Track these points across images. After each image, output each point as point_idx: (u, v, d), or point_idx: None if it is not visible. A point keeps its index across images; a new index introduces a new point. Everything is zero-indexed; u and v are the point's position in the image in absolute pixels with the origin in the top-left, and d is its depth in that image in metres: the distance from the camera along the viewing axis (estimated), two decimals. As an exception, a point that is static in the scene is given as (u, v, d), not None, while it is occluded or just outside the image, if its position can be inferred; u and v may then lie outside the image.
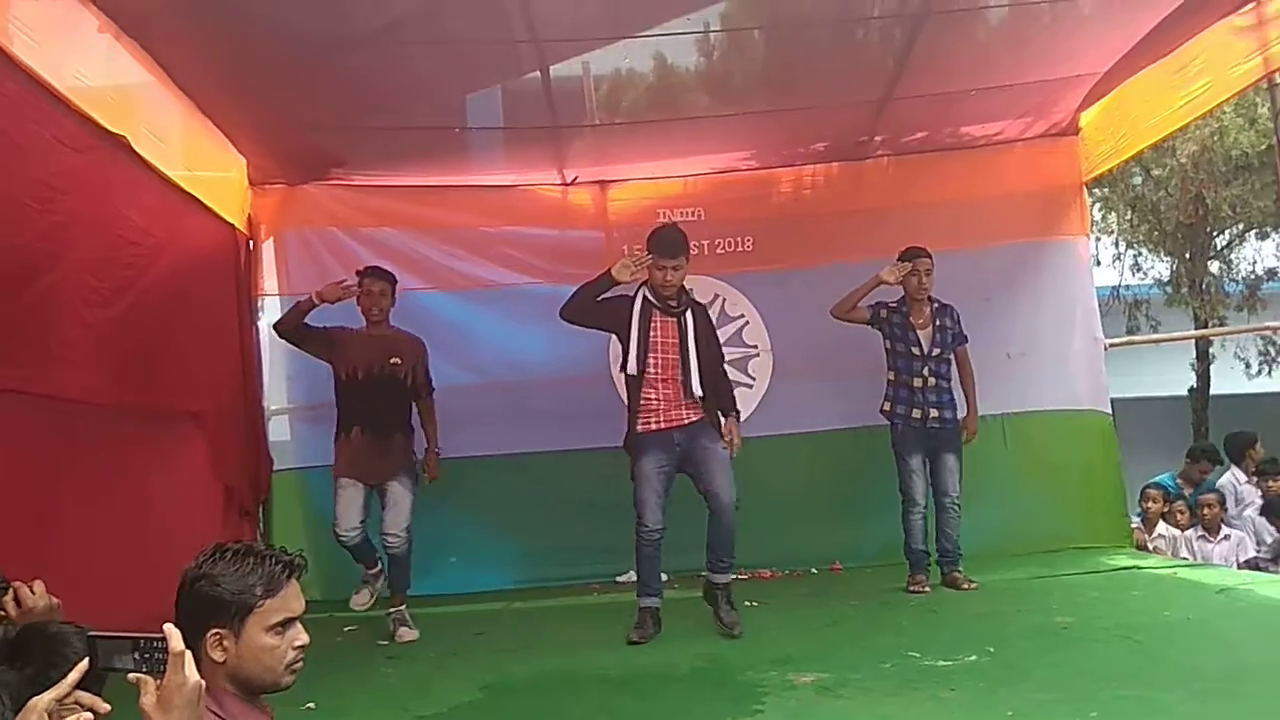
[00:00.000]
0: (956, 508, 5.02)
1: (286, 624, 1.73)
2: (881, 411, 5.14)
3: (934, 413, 5.02)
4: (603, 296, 4.27)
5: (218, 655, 1.69)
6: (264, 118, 5.15)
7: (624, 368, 4.25)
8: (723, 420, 4.29)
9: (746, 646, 3.94)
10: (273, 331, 5.89)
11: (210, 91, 4.76)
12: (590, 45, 4.96)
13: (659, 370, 4.19)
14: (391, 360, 4.65)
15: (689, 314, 4.25)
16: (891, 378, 5.12)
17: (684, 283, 4.31)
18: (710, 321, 4.50)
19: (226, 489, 5.17)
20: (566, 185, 6.31)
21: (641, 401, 4.21)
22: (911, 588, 4.93)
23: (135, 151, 4.09)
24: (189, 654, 1.48)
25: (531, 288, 6.17)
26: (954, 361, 5.17)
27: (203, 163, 5.05)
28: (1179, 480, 6.87)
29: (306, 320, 4.65)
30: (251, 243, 5.83)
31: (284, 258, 6.01)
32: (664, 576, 5.60)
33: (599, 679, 3.56)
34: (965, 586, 4.90)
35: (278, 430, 5.91)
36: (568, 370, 5.94)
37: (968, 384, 5.22)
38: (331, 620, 4.67)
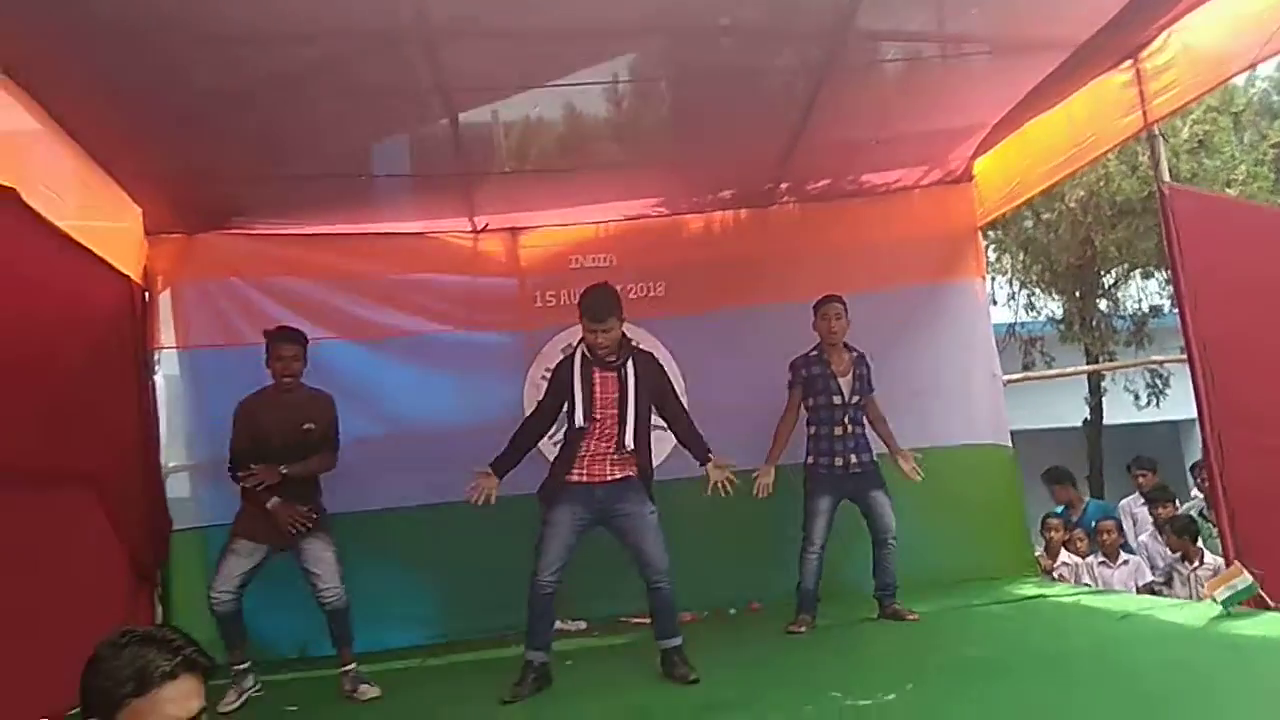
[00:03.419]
0: (895, 543, 5.13)
1: None
2: (805, 465, 5.21)
3: (854, 458, 5.13)
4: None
5: None
6: (160, 166, 4.99)
7: (570, 422, 4.22)
8: (709, 469, 4.30)
9: (670, 694, 3.90)
10: (169, 384, 5.73)
11: (103, 140, 4.59)
12: (498, 95, 4.97)
13: (599, 425, 4.19)
14: (305, 427, 4.51)
15: (629, 365, 4.23)
16: (812, 431, 5.21)
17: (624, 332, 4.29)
18: (658, 368, 4.44)
19: (130, 553, 4.92)
20: (477, 232, 6.28)
21: (575, 452, 4.19)
22: (792, 628, 4.98)
23: (25, 204, 3.92)
24: None
25: (443, 335, 6.13)
26: (863, 409, 5.29)
27: (96, 213, 4.84)
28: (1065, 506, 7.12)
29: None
30: (147, 294, 5.63)
31: (182, 309, 5.80)
32: (583, 624, 5.64)
33: (521, 736, 3.49)
34: (909, 618, 5.00)
35: (176, 488, 5.66)
36: (481, 418, 5.85)
37: (884, 430, 5.35)
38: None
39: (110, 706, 1.60)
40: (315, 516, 4.50)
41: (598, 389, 4.20)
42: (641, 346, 4.52)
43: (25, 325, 3.92)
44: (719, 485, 4.31)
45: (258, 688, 4.42)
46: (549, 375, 4.53)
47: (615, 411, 4.19)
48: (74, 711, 1.56)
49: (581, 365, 4.23)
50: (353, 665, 4.45)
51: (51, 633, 3.36)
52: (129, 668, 1.61)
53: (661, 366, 4.51)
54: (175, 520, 5.52)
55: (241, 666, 4.40)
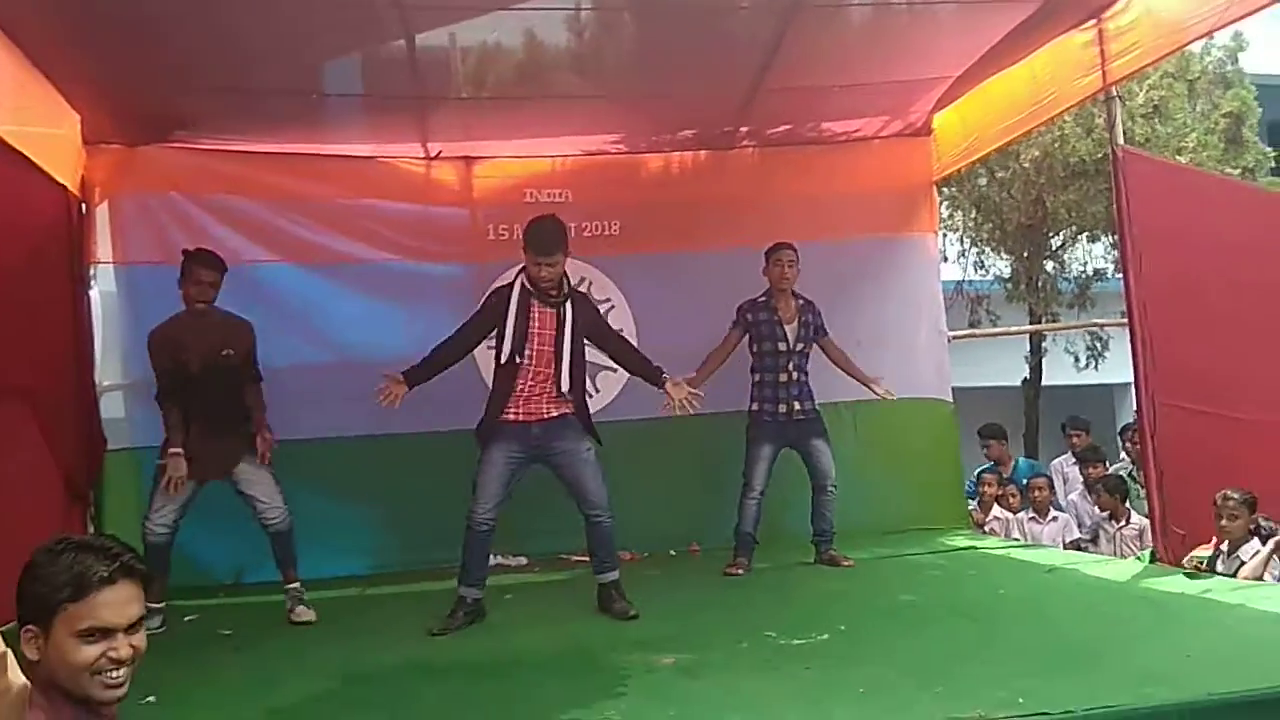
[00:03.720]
0: (834, 490, 5.20)
1: (101, 633, 1.59)
2: (749, 412, 5.24)
3: (797, 405, 5.16)
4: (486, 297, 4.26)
5: (31, 654, 1.58)
6: (101, 72, 4.78)
7: (498, 357, 4.15)
8: (668, 389, 4.30)
9: (608, 629, 3.94)
10: (105, 300, 5.56)
11: (41, 41, 4.37)
12: (458, 15, 4.82)
13: (534, 360, 4.11)
14: (224, 352, 4.40)
15: (568, 305, 4.16)
16: (757, 379, 5.22)
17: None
18: (593, 307, 4.42)
19: (64, 471, 4.81)
20: (430, 159, 6.13)
21: (510, 389, 4.12)
22: (729, 569, 5.05)
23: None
24: (10, 655, 1.37)
25: (392, 264, 6.02)
26: (824, 352, 5.34)
27: (30, 117, 4.60)
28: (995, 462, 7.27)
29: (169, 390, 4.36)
30: (84, 206, 5.42)
31: (120, 223, 5.60)
32: (524, 559, 5.66)
33: (459, 665, 3.50)
34: (844, 564, 5.11)
35: (111, 407, 5.51)
36: (427, 350, 5.78)
37: (850, 366, 5.42)
38: (170, 609, 4.39)
39: (47, 612, 1.58)
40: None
41: (535, 324, 4.11)
42: (579, 280, 4.48)
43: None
44: (683, 403, 4.30)
45: (161, 627, 4.22)
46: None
47: (551, 350, 4.12)
48: (9, 626, 1.52)
49: (520, 297, 4.13)
50: (296, 584, 4.43)
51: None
52: (66, 573, 1.59)
53: (595, 305, 4.50)
54: (109, 440, 5.39)
55: (154, 605, 4.20)
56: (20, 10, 4.08)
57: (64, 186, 5.09)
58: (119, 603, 1.61)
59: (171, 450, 4.26)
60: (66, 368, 5.05)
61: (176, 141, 5.68)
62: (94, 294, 5.47)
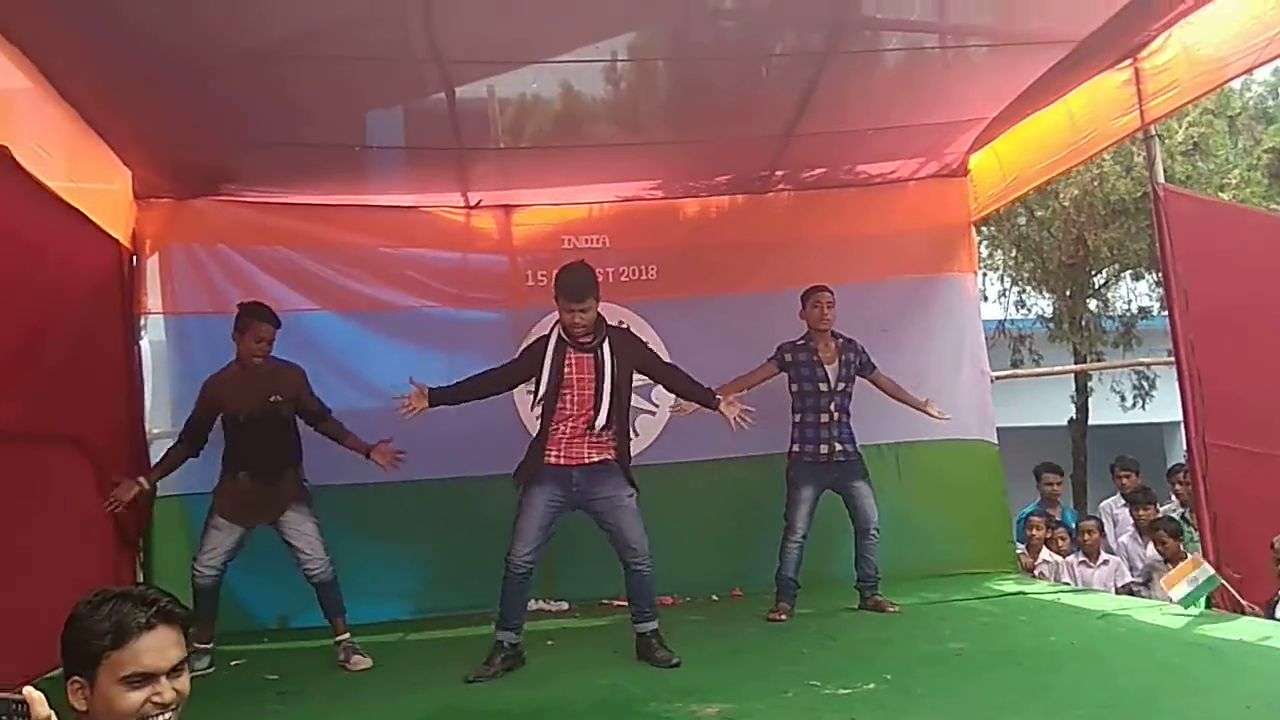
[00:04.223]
0: (877, 534, 5.14)
1: (144, 678, 1.62)
2: (789, 453, 5.20)
3: (839, 446, 5.12)
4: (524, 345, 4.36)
5: (78, 704, 1.62)
6: (151, 130, 4.94)
7: (540, 404, 4.18)
8: (722, 409, 4.38)
9: (649, 677, 3.90)
10: (155, 350, 5.70)
11: (94, 101, 4.54)
12: (496, 69, 4.92)
13: (573, 407, 4.13)
14: (271, 399, 4.47)
15: (605, 346, 4.16)
16: (797, 419, 5.20)
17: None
18: (636, 342, 4.43)
19: (115, 519, 4.89)
20: (470, 208, 6.24)
21: (550, 434, 4.15)
22: (771, 615, 4.99)
23: (16, 162, 3.87)
24: (53, 718, 1.40)
25: (433, 311, 6.11)
26: (875, 385, 5.35)
27: (85, 174, 4.79)
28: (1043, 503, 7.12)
29: (188, 434, 4.60)
30: (135, 258, 5.58)
31: (169, 275, 5.75)
32: (565, 604, 5.64)
33: (500, 713, 3.48)
34: (890, 610, 5.02)
35: (160, 455, 5.62)
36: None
37: (903, 394, 5.41)
38: (217, 653, 4.44)
39: (90, 661, 1.62)
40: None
41: (572, 372, 4.13)
42: (618, 324, 4.52)
43: (12, 284, 3.88)
44: (737, 421, 4.36)
45: (210, 668, 4.32)
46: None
47: (590, 394, 4.12)
48: (56, 671, 1.56)
49: (555, 347, 4.16)
50: (346, 635, 4.44)
51: (37, 598, 3.33)
52: (106, 621, 1.63)
53: (639, 339, 4.52)
54: (158, 487, 5.46)
55: (203, 646, 4.31)
56: (76, 73, 4.24)
57: (116, 240, 5.24)
58: (160, 647, 1.65)
59: (138, 478, 4.58)
60: (118, 416, 5.17)
61: (224, 195, 5.84)
62: (144, 344, 5.61)
